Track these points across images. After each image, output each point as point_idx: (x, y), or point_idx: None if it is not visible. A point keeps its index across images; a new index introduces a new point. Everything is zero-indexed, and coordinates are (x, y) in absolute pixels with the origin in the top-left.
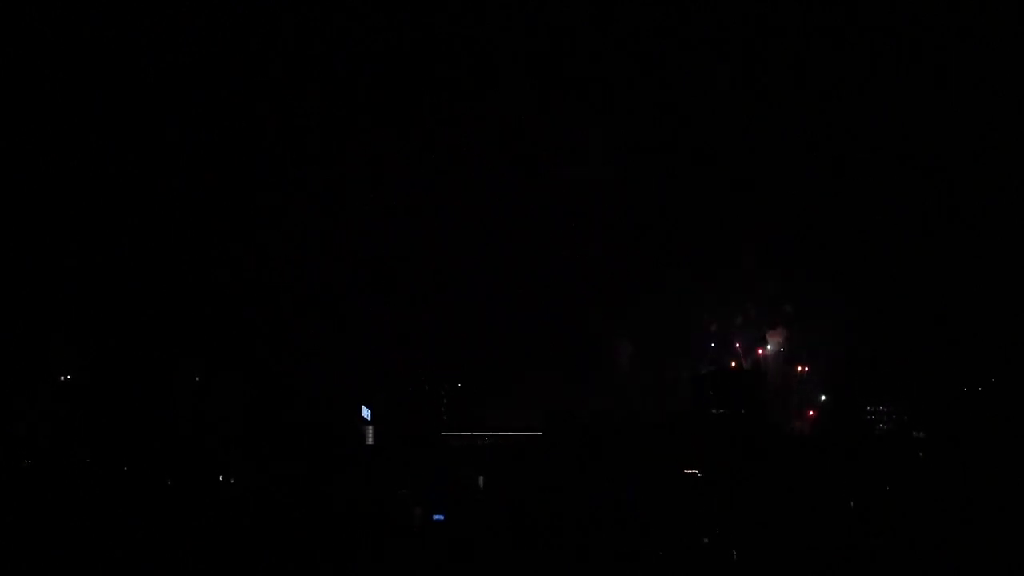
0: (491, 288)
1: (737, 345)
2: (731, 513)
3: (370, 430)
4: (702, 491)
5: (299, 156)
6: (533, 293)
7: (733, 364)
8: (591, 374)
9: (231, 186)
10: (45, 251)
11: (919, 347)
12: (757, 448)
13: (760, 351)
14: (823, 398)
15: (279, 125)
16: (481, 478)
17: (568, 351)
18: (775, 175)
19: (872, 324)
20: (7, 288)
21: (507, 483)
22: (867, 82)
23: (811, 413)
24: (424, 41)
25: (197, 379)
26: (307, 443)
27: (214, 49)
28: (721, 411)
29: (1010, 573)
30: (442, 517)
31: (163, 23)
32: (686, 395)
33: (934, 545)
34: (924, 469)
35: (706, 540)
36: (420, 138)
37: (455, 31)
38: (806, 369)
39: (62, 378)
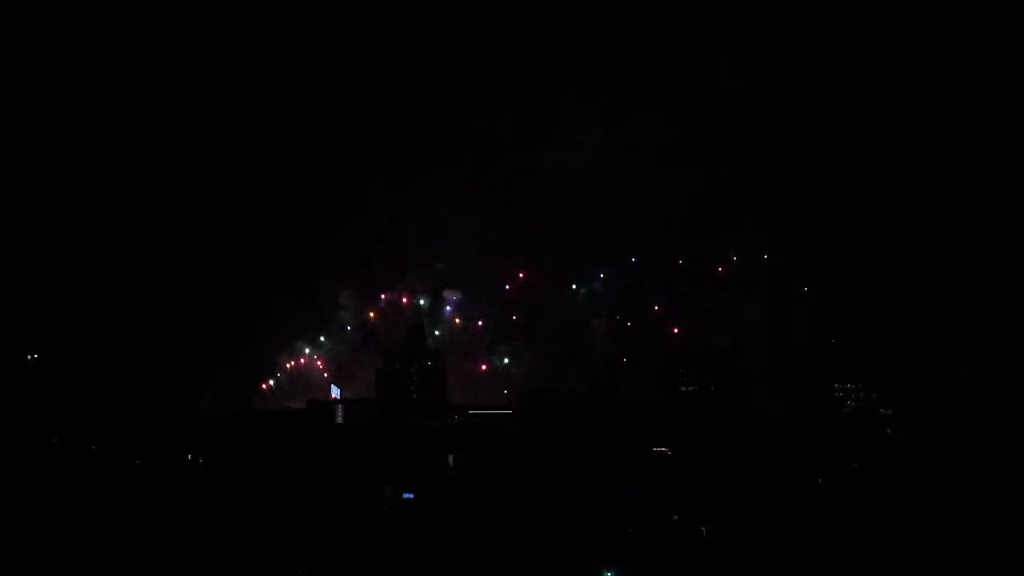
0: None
1: None
2: (701, 490)
3: (340, 409)
4: (672, 469)
5: (299, 156)
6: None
7: None
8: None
9: (231, 186)
10: (43, 248)
11: (887, 325)
12: (726, 427)
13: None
14: None
15: (279, 125)
16: (451, 457)
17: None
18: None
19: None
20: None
21: (477, 462)
22: (857, 75)
23: None
24: (424, 41)
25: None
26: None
27: (214, 49)
28: (691, 388)
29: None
30: (412, 496)
31: (163, 23)
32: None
33: (905, 521)
34: (892, 446)
35: (675, 517)
36: (420, 138)
37: (455, 31)
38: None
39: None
